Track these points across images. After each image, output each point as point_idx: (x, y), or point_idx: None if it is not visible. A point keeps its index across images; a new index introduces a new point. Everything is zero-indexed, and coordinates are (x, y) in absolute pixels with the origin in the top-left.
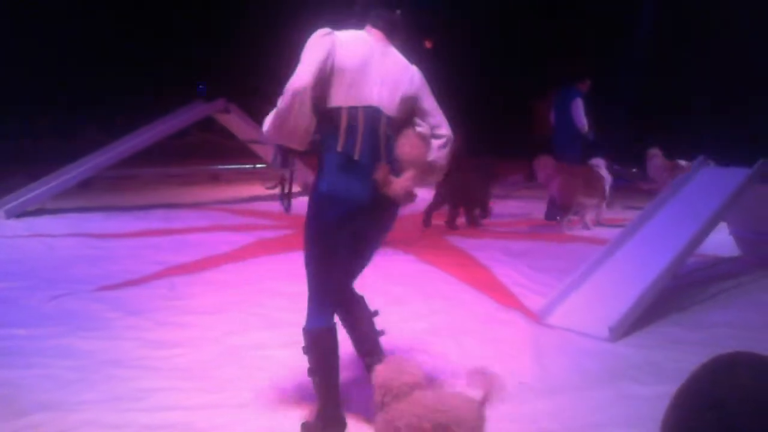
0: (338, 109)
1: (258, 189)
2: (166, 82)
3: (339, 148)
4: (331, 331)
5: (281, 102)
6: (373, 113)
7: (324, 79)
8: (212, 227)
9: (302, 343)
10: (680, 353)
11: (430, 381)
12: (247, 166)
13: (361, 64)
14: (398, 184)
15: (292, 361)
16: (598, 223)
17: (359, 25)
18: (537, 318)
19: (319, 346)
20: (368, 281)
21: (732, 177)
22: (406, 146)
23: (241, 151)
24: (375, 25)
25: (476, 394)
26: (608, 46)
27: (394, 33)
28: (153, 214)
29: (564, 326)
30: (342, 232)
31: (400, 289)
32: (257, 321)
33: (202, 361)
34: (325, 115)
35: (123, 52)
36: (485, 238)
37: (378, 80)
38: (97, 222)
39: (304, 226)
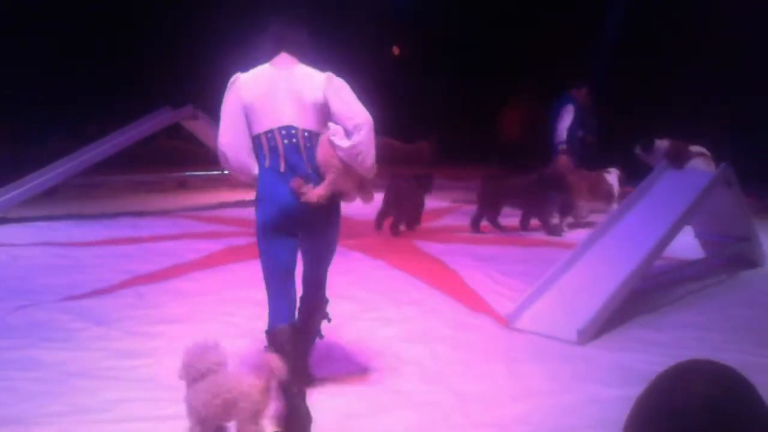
0: (258, 136)
1: (226, 195)
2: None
3: (266, 165)
4: (287, 328)
5: (219, 158)
6: (289, 130)
7: (242, 120)
8: (180, 235)
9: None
10: (648, 355)
11: (228, 365)
12: (215, 172)
13: (266, 93)
14: (312, 192)
15: None
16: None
17: (273, 54)
18: (506, 322)
19: (276, 342)
20: (338, 287)
21: (697, 180)
22: (318, 152)
23: (209, 158)
24: (287, 51)
25: (261, 374)
26: (576, 52)
27: (304, 52)
28: (120, 222)
29: (533, 330)
30: (277, 236)
31: (370, 296)
32: (226, 329)
33: (171, 370)
34: (254, 142)
35: (88, 54)
36: (454, 243)
37: (287, 100)
38: (63, 231)
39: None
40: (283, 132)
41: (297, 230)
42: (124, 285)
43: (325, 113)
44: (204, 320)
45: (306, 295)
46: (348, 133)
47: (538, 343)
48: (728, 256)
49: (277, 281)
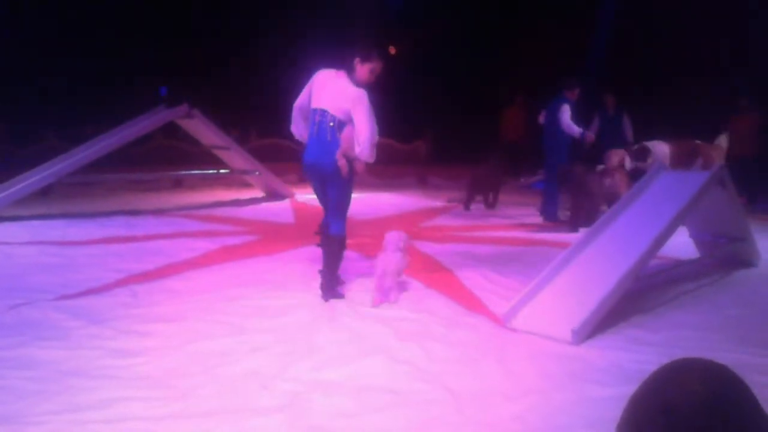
0: (311, 109)
1: (221, 194)
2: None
3: (303, 129)
4: (323, 232)
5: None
6: (324, 113)
7: (308, 95)
8: (175, 234)
9: (271, 337)
10: (642, 355)
11: None
12: (210, 171)
13: (321, 86)
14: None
15: (258, 368)
16: None
17: (337, 67)
18: (501, 322)
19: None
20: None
21: (691, 181)
22: (342, 137)
23: (204, 157)
24: (343, 69)
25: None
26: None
27: (348, 70)
28: (115, 221)
29: (528, 329)
30: (312, 177)
31: (365, 295)
32: (221, 328)
33: (166, 369)
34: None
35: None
36: (449, 243)
37: (329, 92)
38: (57, 229)
39: None
40: (321, 111)
41: (320, 175)
42: (118, 284)
43: (346, 112)
44: (198, 319)
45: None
46: (356, 141)
47: (533, 342)
48: (722, 256)
49: (320, 202)
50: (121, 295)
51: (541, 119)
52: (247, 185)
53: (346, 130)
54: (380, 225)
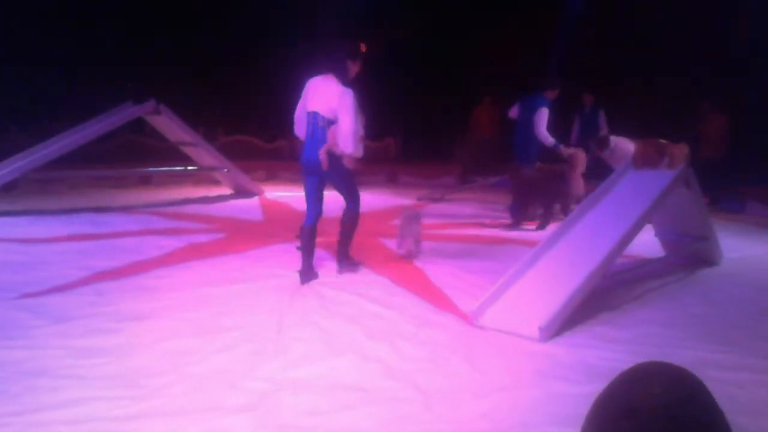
0: (306, 113)
1: (189, 192)
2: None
3: (305, 131)
4: (307, 227)
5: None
6: (316, 114)
7: (305, 101)
8: (142, 231)
9: (240, 335)
10: (609, 352)
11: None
12: (178, 168)
13: (314, 91)
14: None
15: (226, 366)
16: None
17: (325, 72)
18: (469, 319)
19: (302, 233)
20: (303, 286)
21: (657, 180)
22: (328, 135)
23: (172, 153)
24: (331, 72)
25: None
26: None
27: (336, 73)
28: (81, 218)
29: (496, 327)
30: (308, 177)
31: (334, 293)
32: (189, 327)
33: (132, 368)
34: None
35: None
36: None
37: (320, 95)
38: (21, 227)
39: None
40: (313, 113)
41: (319, 171)
42: (84, 282)
43: (334, 112)
44: (166, 318)
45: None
46: (340, 137)
47: (501, 340)
48: (686, 255)
49: (307, 199)
50: (87, 294)
51: (512, 114)
52: (215, 182)
53: (332, 128)
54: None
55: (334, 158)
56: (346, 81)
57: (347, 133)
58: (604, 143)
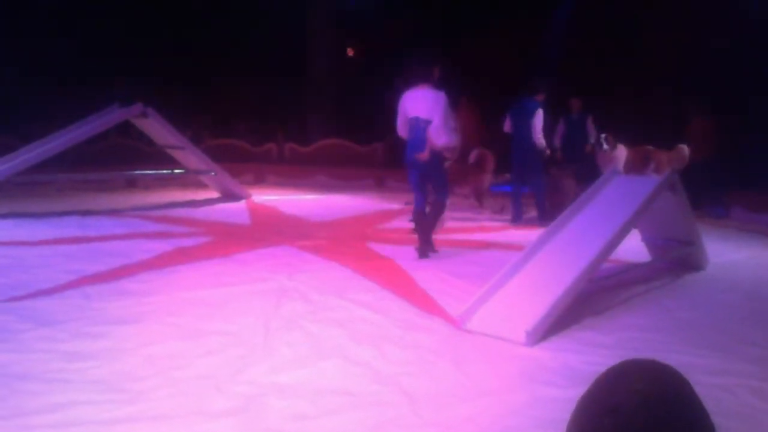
0: (408, 119)
1: (176, 195)
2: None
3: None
4: (419, 211)
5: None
6: (417, 118)
7: (404, 110)
8: (129, 234)
9: (226, 339)
10: (595, 356)
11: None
12: (165, 171)
13: (413, 99)
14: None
15: (212, 370)
16: None
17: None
18: (457, 324)
19: (414, 216)
20: (289, 289)
21: (643, 186)
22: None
23: (159, 156)
24: (425, 81)
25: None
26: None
27: (428, 82)
28: (67, 221)
29: (483, 331)
30: (413, 171)
31: (321, 297)
32: (175, 331)
33: (118, 372)
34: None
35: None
36: (406, 245)
37: (418, 103)
38: (6, 230)
39: None
40: (415, 118)
41: (421, 168)
42: (70, 285)
43: (433, 115)
44: (152, 321)
45: (432, 199)
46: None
47: (488, 344)
48: (672, 260)
49: (413, 189)
50: (73, 297)
51: (506, 128)
52: (202, 186)
53: (430, 128)
54: (337, 227)
55: (433, 154)
56: (436, 85)
57: (439, 127)
58: (611, 142)
